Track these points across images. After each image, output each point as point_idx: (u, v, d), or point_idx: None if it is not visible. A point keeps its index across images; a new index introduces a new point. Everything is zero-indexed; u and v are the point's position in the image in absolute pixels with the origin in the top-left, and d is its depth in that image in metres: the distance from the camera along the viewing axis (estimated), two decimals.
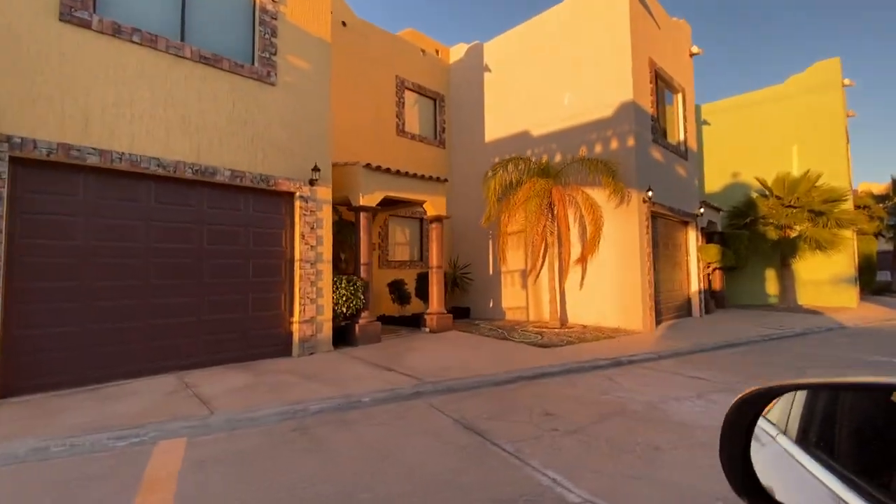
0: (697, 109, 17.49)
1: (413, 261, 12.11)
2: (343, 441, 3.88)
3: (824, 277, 14.54)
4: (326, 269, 7.25)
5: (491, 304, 11.93)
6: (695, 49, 12.16)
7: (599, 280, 9.67)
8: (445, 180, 9.39)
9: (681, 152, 11.36)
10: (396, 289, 10.52)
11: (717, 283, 13.98)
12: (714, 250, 11.78)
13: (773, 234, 13.85)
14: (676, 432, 3.93)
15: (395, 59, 11.88)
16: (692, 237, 11.88)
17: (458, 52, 13.29)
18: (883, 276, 23.37)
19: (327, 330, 7.21)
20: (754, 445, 0.92)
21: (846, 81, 14.66)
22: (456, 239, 12.89)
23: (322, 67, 7.42)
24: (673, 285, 11.28)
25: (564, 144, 10.32)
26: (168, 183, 5.89)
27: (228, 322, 6.37)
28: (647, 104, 9.84)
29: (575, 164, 9.26)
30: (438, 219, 9.31)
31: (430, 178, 9.06)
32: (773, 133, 15.76)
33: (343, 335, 7.82)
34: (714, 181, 16.99)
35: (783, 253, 14.01)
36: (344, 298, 7.40)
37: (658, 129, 10.45)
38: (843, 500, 0.71)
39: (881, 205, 20.39)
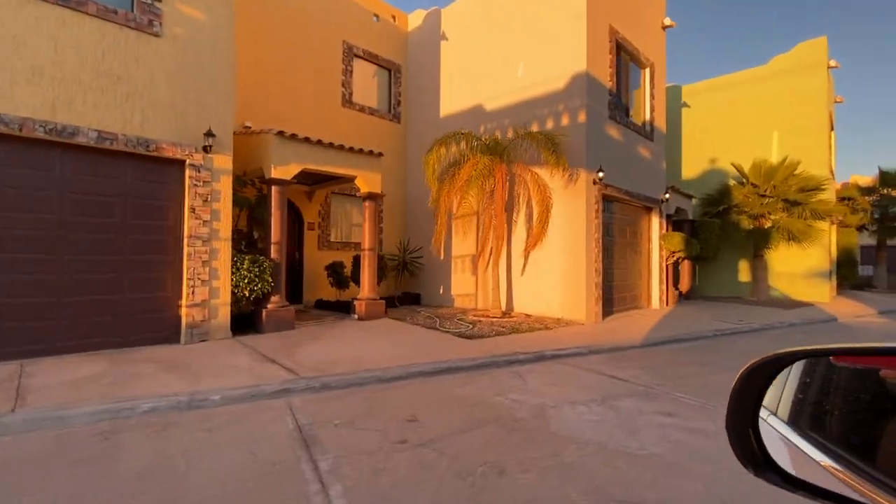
0: (677, 90, 16.61)
1: (360, 242, 11.36)
2: (141, 452, 3.21)
3: (798, 270, 13.91)
4: (224, 247, 6.51)
5: (441, 291, 11.26)
6: (667, 21, 11.27)
7: (546, 267, 8.99)
8: (380, 154, 8.60)
9: (645, 133, 10.56)
10: (334, 272, 9.82)
11: (685, 274, 13.34)
12: (677, 239, 11.09)
13: (746, 223, 13.16)
14: (545, 448, 3.28)
15: (342, 23, 10.94)
16: (655, 224, 11.17)
17: (416, 18, 12.34)
18: (866, 270, 22.83)
19: (224, 315, 6.51)
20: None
21: (832, 63, 13.80)
22: (409, 221, 12.16)
23: (223, 19, 6.57)
24: (631, 274, 10.61)
25: (517, 120, 9.51)
26: (14, 143, 5.10)
27: (100, 304, 5.66)
28: (605, 77, 9.01)
29: (519, 140, 8.48)
30: (372, 196, 8.56)
31: (362, 151, 8.27)
32: (753, 117, 14.93)
33: (251, 321, 7.15)
34: (693, 166, 16.21)
35: (756, 243, 13.35)
36: (246, 281, 6.69)
37: (619, 106, 9.64)
38: (836, 476, 0.74)
39: (867, 197, 19.68)
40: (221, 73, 6.55)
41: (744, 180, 13.82)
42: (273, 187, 7.20)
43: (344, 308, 9.30)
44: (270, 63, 9.69)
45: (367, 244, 8.56)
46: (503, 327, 7.80)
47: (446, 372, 5.37)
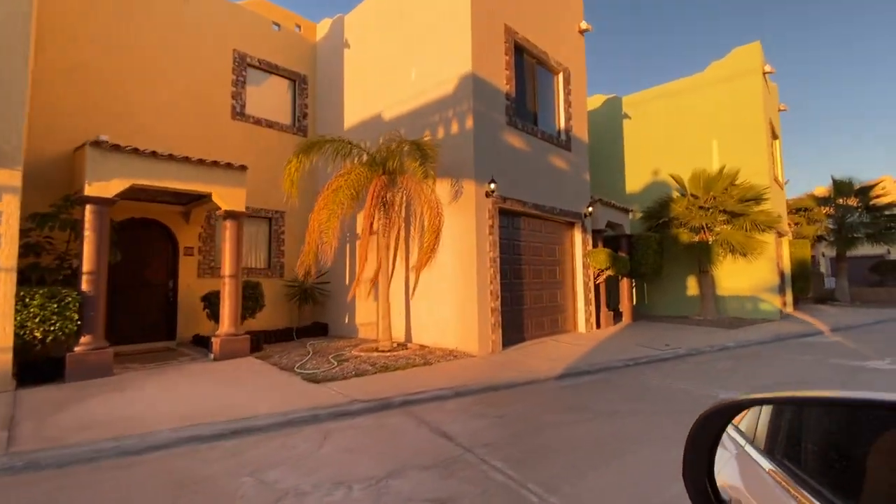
0: (618, 102, 16.06)
1: (256, 268, 10.26)
2: None
3: (747, 285, 13.05)
4: (5, 279, 5.35)
5: (346, 320, 10.12)
6: (584, 25, 10.62)
7: (440, 292, 7.95)
8: (242, 167, 7.56)
9: (560, 142, 9.73)
10: (210, 303, 8.63)
11: (624, 293, 12.38)
12: (603, 255, 10.15)
13: (686, 237, 12.32)
14: None
15: (232, 32, 10.09)
16: (578, 240, 10.23)
17: (324, 27, 11.57)
18: (830, 283, 22.17)
19: (2, 364, 5.29)
20: (722, 454, 0.88)
21: (767, 68, 13.29)
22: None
23: (12, 15, 5.58)
24: (550, 296, 9.58)
25: (411, 128, 8.60)
26: None
27: None
28: (500, 80, 8.19)
29: (400, 150, 7.51)
30: (234, 215, 7.50)
31: (216, 163, 7.23)
32: (694, 126, 14.32)
33: (59, 368, 5.92)
34: (638, 180, 15.49)
35: (699, 258, 12.48)
36: (38, 319, 5.50)
37: (522, 112, 8.82)
38: None
39: (823, 208, 19.15)
40: (9, 77, 5.52)
41: (684, 192, 13.07)
42: (87, 206, 6.09)
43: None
44: (140, 73, 8.73)
45: (227, 270, 7.45)
46: (374, 364, 6.66)
47: (235, 434, 4.21)
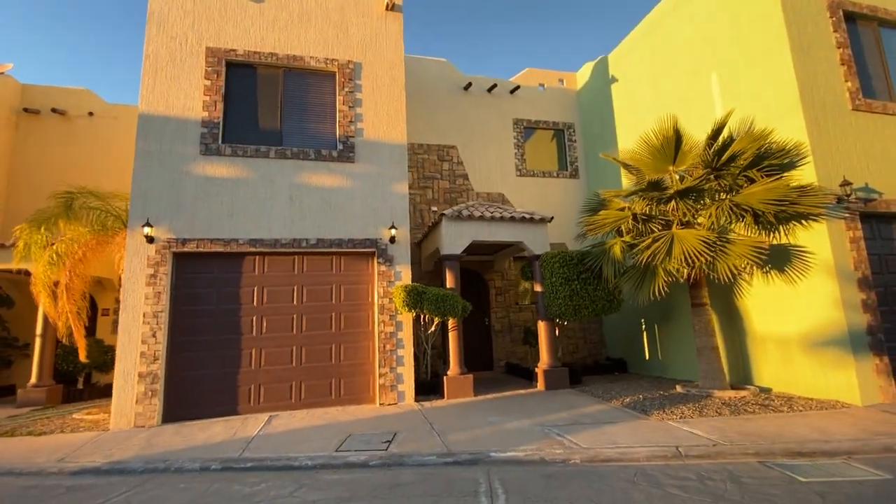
0: (603, 65, 11.26)
1: None
2: None
3: (792, 331, 6.50)
4: None
5: None
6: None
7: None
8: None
9: (331, 155, 7.54)
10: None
11: (543, 344, 8.12)
12: (401, 295, 6.98)
13: (617, 251, 7.19)
14: None
15: None
16: (376, 278, 7.45)
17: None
18: None
19: None
20: None
21: None
22: None
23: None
24: (314, 354, 7.15)
25: None
26: None
27: None
28: (194, 108, 7.12)
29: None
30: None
31: None
32: (687, 62, 8.56)
33: None
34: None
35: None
36: None
37: (250, 133, 7.42)
38: None
39: None
40: None
41: (633, 172, 7.89)
42: None
43: None
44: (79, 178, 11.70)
45: (38, 329, 8.81)
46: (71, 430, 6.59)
47: None
